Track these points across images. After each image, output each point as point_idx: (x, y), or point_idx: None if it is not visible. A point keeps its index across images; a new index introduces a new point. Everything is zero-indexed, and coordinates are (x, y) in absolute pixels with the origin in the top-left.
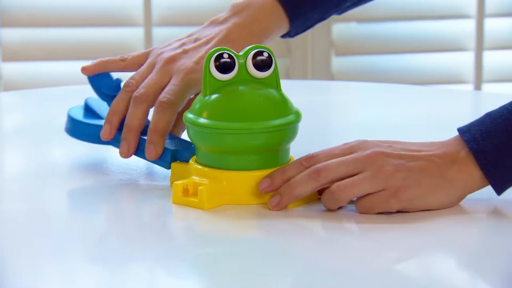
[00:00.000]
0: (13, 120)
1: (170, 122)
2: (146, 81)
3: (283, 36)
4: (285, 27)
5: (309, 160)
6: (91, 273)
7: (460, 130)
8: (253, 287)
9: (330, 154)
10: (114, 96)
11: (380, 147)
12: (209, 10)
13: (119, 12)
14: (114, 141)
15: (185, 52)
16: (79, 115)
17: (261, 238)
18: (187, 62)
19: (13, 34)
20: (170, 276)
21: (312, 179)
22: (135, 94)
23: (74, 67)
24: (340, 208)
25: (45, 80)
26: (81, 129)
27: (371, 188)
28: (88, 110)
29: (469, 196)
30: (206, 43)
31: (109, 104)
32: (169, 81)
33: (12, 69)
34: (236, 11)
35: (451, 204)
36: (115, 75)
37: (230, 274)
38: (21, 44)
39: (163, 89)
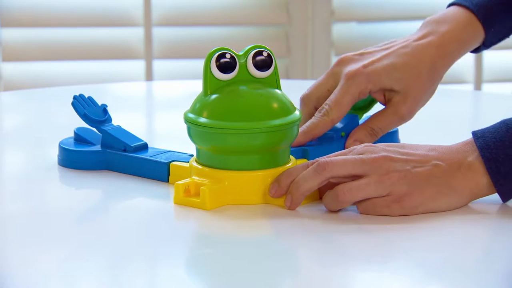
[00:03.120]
0: (13, 120)
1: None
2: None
3: (476, 51)
4: (480, 38)
5: (315, 163)
6: (92, 273)
7: (474, 134)
8: (254, 287)
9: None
10: (102, 122)
11: (386, 151)
12: (209, 10)
13: (119, 12)
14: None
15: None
16: (70, 145)
17: (263, 238)
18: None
19: (13, 34)
20: (171, 276)
21: (317, 172)
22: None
23: (74, 67)
24: (341, 208)
25: (45, 80)
26: (75, 157)
27: (376, 192)
28: (79, 139)
29: None
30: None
31: (98, 130)
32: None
33: (12, 69)
34: (431, 29)
35: (453, 209)
36: (99, 102)
37: (231, 274)
38: (21, 44)
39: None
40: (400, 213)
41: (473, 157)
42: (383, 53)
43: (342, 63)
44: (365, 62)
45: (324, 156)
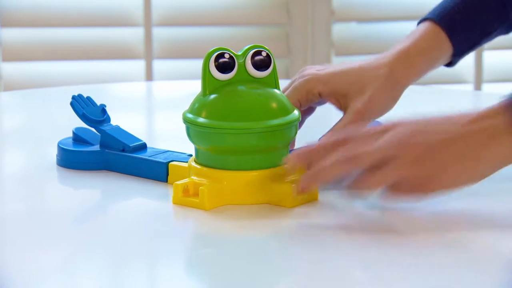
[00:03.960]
0: (13, 120)
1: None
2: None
3: (450, 64)
4: (447, 48)
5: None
6: (92, 273)
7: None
8: (253, 287)
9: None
10: (101, 122)
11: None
12: (209, 10)
13: (119, 12)
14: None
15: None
16: (69, 145)
17: (262, 238)
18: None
19: (13, 34)
20: (170, 276)
21: (347, 163)
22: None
23: (74, 67)
24: (341, 208)
25: (45, 80)
26: (73, 158)
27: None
28: (77, 139)
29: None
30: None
31: (96, 130)
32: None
33: (12, 69)
34: (394, 47)
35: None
36: (98, 102)
37: (230, 274)
38: (21, 44)
39: None
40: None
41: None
42: (342, 65)
43: (301, 71)
44: (320, 69)
45: (350, 140)
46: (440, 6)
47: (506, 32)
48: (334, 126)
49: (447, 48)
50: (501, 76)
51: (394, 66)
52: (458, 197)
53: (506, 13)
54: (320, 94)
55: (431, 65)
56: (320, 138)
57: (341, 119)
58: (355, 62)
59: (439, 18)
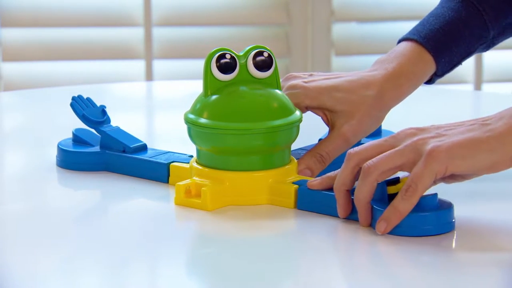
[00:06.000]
0: (13, 120)
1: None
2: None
3: (429, 82)
4: (431, 69)
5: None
6: (92, 273)
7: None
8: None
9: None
10: (101, 123)
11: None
12: (209, 10)
13: (119, 12)
14: None
15: None
16: (69, 146)
17: (264, 238)
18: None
19: (13, 34)
20: (172, 276)
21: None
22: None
23: (74, 67)
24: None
25: (45, 80)
26: (73, 159)
27: (401, 158)
28: (77, 140)
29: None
30: None
31: (96, 131)
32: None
33: (12, 69)
34: (381, 67)
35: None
36: (98, 102)
37: (232, 275)
38: (21, 44)
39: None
40: (440, 168)
41: None
42: (329, 77)
43: (287, 79)
44: (307, 79)
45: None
46: (424, 26)
47: (483, 50)
48: (320, 143)
49: (432, 70)
50: (501, 76)
51: (383, 88)
52: (459, 196)
53: (487, 33)
54: (307, 108)
55: (416, 87)
56: (319, 139)
57: (327, 138)
58: (343, 75)
59: (425, 40)
